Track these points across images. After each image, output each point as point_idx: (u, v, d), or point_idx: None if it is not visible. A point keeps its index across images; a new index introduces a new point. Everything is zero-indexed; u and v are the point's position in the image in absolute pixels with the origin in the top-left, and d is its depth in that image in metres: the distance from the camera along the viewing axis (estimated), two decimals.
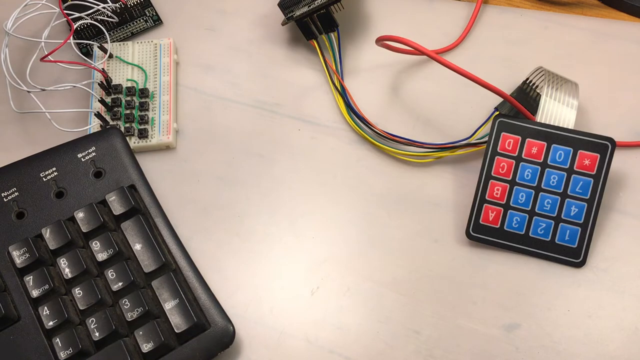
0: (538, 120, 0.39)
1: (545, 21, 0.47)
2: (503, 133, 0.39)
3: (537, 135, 0.39)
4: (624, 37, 0.46)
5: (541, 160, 0.39)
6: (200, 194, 0.43)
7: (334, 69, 0.45)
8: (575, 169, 0.38)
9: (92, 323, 0.36)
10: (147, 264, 0.38)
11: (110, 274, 0.38)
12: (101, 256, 0.38)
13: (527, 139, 0.39)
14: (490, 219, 0.39)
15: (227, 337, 0.37)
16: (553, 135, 0.38)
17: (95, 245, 0.38)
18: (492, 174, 0.39)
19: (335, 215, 0.42)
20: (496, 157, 0.39)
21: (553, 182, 0.39)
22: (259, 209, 0.42)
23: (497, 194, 0.39)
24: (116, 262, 0.38)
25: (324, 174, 0.43)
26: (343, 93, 0.44)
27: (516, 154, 0.39)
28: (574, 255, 0.39)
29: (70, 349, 0.36)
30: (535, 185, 0.39)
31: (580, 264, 0.39)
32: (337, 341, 0.38)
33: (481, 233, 0.40)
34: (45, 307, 0.37)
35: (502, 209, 0.39)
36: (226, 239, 0.42)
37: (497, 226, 0.39)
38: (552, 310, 0.38)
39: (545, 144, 0.39)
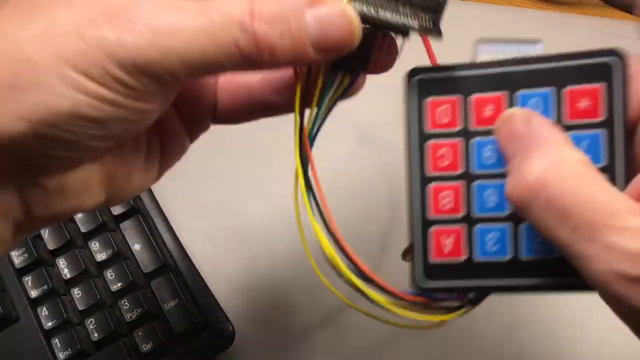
0: (482, 61, 0.24)
1: (546, 20, 0.47)
2: (430, 99, 0.23)
3: (489, 84, 0.23)
4: (626, 36, 0.46)
5: None
6: (201, 194, 0.43)
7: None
8: (567, 121, 0.23)
9: (91, 323, 0.36)
10: (147, 264, 0.38)
11: (109, 274, 0.38)
12: (100, 256, 0.38)
13: (473, 95, 0.23)
14: (447, 249, 0.23)
15: (226, 338, 0.37)
16: (514, 75, 0.23)
17: (95, 245, 0.38)
18: (429, 172, 0.24)
19: (335, 216, 0.42)
20: (428, 143, 0.24)
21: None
22: (259, 209, 0.42)
23: (446, 203, 0.23)
24: (115, 262, 0.38)
25: (324, 173, 0.43)
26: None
27: (461, 127, 0.23)
28: None
29: (70, 349, 0.35)
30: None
31: None
32: (337, 341, 0.38)
33: (440, 277, 0.24)
34: (44, 308, 0.37)
35: (463, 227, 0.23)
36: (226, 239, 0.42)
37: (463, 258, 0.23)
38: (553, 310, 0.38)
39: (506, 93, 0.23)
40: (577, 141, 0.22)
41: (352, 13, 0.20)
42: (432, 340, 0.38)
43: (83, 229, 0.39)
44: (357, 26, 0.20)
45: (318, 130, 0.25)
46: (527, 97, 0.23)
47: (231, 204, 0.43)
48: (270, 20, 0.19)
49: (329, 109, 0.24)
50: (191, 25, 0.19)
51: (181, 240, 0.40)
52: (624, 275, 0.17)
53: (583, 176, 0.19)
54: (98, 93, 0.18)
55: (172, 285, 0.37)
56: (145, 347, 0.36)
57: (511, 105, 0.23)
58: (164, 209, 0.41)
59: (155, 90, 0.20)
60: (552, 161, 0.20)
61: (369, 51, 0.23)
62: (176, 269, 0.38)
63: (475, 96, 0.23)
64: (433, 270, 0.24)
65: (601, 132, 0.22)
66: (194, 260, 0.39)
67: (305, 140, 0.24)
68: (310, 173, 0.25)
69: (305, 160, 0.25)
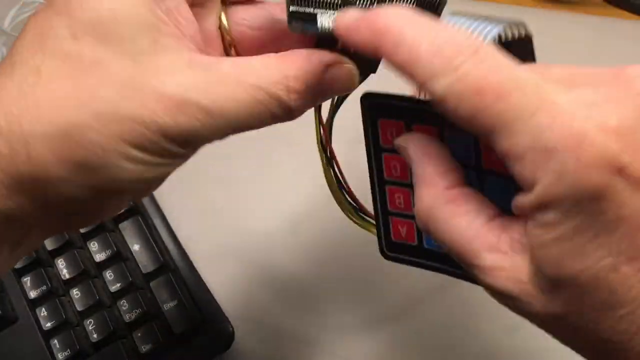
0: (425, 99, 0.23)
1: (547, 19, 0.47)
2: (380, 119, 0.25)
3: (427, 118, 0.24)
4: (627, 35, 0.46)
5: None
6: (200, 194, 0.43)
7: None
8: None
9: (90, 324, 0.36)
10: (146, 264, 0.38)
11: (108, 274, 0.37)
12: (99, 257, 0.38)
13: (415, 125, 0.24)
14: (403, 234, 0.27)
15: (226, 338, 0.37)
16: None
17: (94, 245, 0.38)
18: (385, 177, 0.27)
19: (335, 215, 0.42)
20: (383, 155, 0.26)
21: (468, 161, 0.24)
22: (258, 209, 0.42)
23: (399, 202, 0.27)
24: (114, 262, 0.38)
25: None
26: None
27: None
28: None
29: (68, 350, 0.35)
30: None
31: None
32: (337, 342, 0.38)
33: (399, 252, 0.28)
34: (43, 308, 0.37)
35: (413, 221, 0.26)
36: (226, 239, 0.41)
37: (415, 243, 0.27)
38: None
39: (439, 127, 0.24)
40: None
41: (356, 74, 0.24)
42: (430, 341, 0.38)
43: (82, 230, 0.38)
44: (355, 83, 0.24)
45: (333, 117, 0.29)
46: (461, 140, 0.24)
47: (230, 204, 0.42)
48: (304, 94, 0.22)
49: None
50: (234, 105, 0.22)
51: (180, 240, 0.40)
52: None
53: (451, 212, 0.21)
54: (151, 161, 0.22)
55: (171, 285, 0.37)
56: (145, 347, 0.35)
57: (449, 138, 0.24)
58: (163, 209, 0.40)
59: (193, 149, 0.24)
60: (424, 201, 0.22)
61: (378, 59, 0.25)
62: (175, 269, 0.38)
63: (415, 126, 0.25)
64: (394, 246, 0.28)
65: None
66: (193, 261, 0.39)
67: (326, 136, 0.29)
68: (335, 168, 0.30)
69: (329, 158, 0.30)
